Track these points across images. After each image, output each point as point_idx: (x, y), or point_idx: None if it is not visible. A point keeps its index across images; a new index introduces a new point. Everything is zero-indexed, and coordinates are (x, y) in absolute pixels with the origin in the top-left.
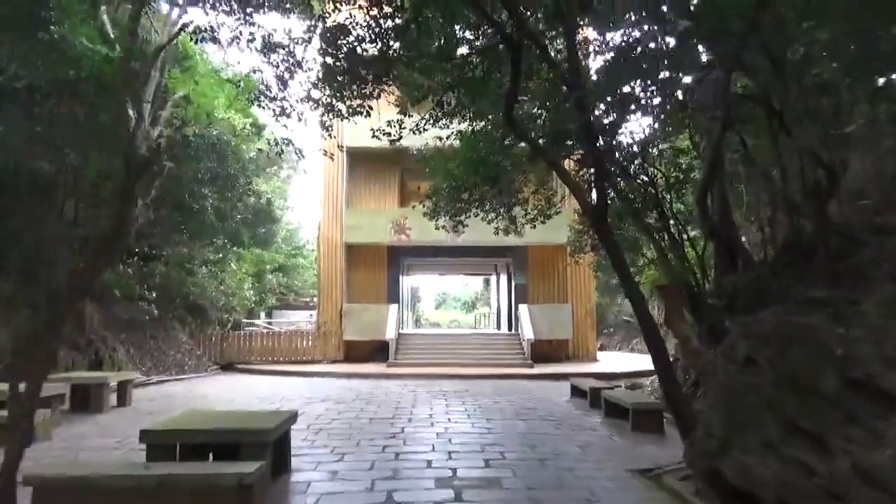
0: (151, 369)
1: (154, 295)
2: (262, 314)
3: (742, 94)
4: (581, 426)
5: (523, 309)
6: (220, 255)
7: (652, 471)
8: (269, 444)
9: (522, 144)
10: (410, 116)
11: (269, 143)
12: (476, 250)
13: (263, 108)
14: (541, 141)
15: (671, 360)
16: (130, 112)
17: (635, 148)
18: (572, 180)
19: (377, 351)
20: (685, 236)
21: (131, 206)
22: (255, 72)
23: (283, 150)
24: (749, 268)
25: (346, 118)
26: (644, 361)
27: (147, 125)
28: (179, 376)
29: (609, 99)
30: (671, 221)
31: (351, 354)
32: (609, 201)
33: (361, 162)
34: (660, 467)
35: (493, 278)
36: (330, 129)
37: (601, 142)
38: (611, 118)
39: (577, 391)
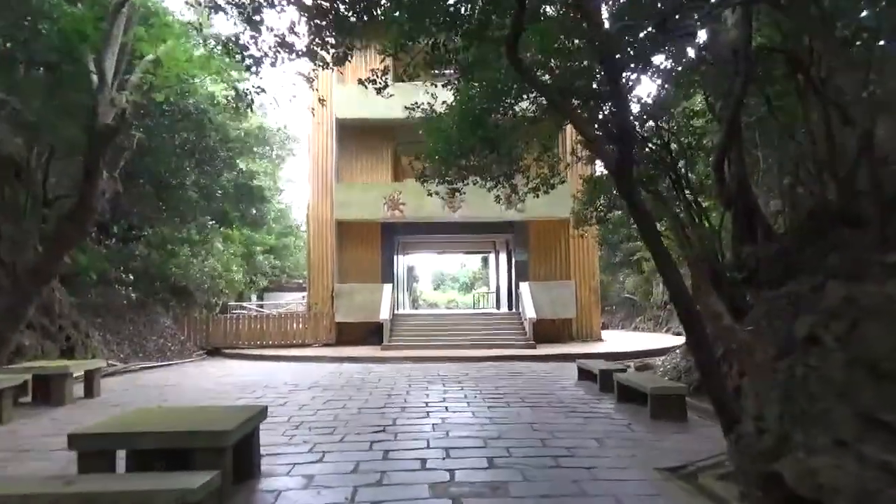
0: (130, 356)
1: (132, 277)
2: (254, 297)
3: (765, 46)
4: (594, 414)
5: (524, 287)
6: (206, 235)
7: (684, 468)
8: (227, 448)
9: (525, 103)
10: (399, 61)
11: (237, 93)
12: (474, 226)
13: (233, 57)
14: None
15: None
16: (93, 76)
17: (647, 109)
18: (590, 131)
19: (371, 333)
20: (698, 206)
21: (95, 180)
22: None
23: (252, 102)
24: (770, 238)
25: (330, 67)
26: (651, 340)
27: (111, 90)
28: (161, 363)
29: (626, 40)
30: (686, 190)
31: (343, 337)
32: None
33: (352, 135)
34: (692, 464)
35: (492, 257)
36: (313, 81)
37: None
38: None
39: (585, 373)
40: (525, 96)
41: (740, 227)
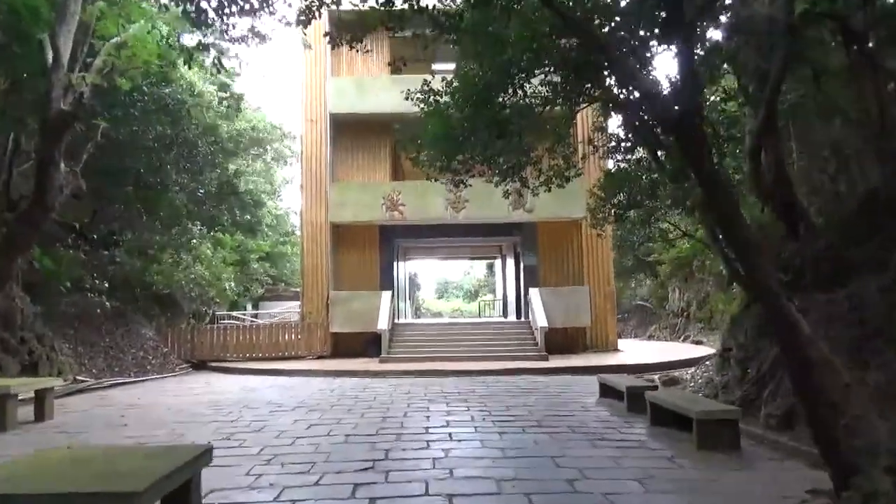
0: (105, 370)
1: (106, 285)
2: (249, 306)
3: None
4: (626, 442)
5: (534, 293)
6: (192, 241)
7: None
8: None
9: (536, 81)
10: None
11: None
12: (479, 228)
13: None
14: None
15: (725, 349)
16: (48, 56)
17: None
18: (645, 81)
19: (369, 344)
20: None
21: (51, 174)
22: None
23: (241, 98)
24: (813, 234)
25: (295, 24)
26: (672, 350)
27: (67, 73)
28: (139, 378)
29: None
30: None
31: (340, 349)
32: (653, 158)
33: (347, 131)
34: None
35: (498, 263)
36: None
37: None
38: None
39: (608, 390)
40: (537, 72)
41: (779, 224)
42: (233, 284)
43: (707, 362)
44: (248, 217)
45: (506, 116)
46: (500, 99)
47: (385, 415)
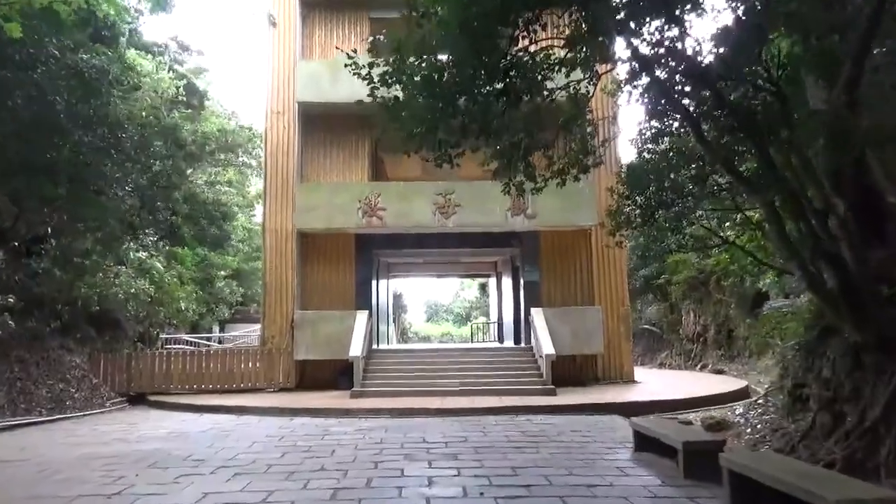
0: (5, 408)
1: (11, 300)
2: (216, 328)
3: None
4: None
5: (537, 314)
6: (138, 252)
7: None
8: None
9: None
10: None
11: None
12: (472, 238)
13: None
14: None
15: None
16: None
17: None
18: None
19: (341, 374)
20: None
21: None
22: None
23: (206, 94)
24: None
25: None
26: (697, 382)
27: None
28: (51, 417)
29: None
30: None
31: (306, 380)
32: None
33: (320, 124)
34: None
35: (493, 281)
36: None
37: None
38: None
39: (646, 441)
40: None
41: (860, 226)
42: (192, 305)
43: (759, 400)
44: (216, 230)
45: (510, 65)
46: (502, 40)
47: (339, 484)
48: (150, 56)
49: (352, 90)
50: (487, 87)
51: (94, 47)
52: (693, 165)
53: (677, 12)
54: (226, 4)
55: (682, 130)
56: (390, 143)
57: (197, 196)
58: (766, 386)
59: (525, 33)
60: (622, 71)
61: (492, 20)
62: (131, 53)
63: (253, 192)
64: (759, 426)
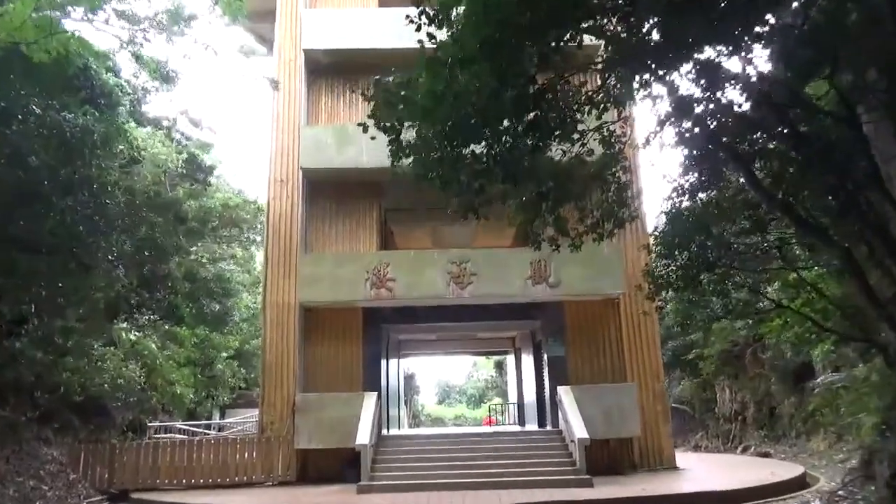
0: None
1: None
2: (217, 414)
3: None
4: None
5: (566, 393)
6: (131, 333)
7: None
8: None
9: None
10: None
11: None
12: (489, 311)
13: None
14: None
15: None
16: None
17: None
18: None
19: (349, 466)
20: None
21: None
22: None
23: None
24: None
25: None
26: (747, 468)
27: None
28: None
29: None
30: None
31: (309, 471)
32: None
33: (325, 192)
34: None
35: (511, 358)
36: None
37: None
38: None
39: None
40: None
41: None
42: (190, 389)
43: (840, 491)
44: (217, 307)
45: (539, 93)
46: (530, 64)
47: None
48: (150, 128)
49: (358, 156)
50: (513, 120)
51: (83, 108)
52: (742, 216)
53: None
54: (230, 75)
55: (723, 182)
56: (404, 196)
57: (198, 273)
58: (823, 470)
59: (556, 53)
60: (653, 112)
61: (518, 35)
62: (130, 126)
63: (259, 269)
64: None
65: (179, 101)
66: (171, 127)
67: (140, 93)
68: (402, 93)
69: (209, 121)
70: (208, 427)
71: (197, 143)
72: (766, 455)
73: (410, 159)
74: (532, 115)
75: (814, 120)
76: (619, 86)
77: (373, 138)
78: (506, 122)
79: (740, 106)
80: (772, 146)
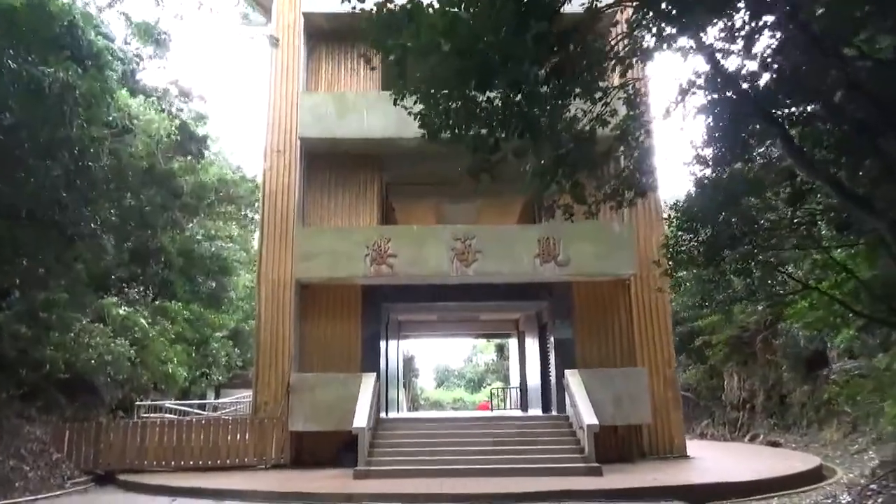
0: None
1: None
2: (211, 394)
3: None
4: None
5: (573, 377)
6: (120, 309)
7: None
8: None
9: None
10: None
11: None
12: (494, 291)
13: None
14: None
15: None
16: None
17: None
18: None
19: (346, 449)
20: None
21: None
22: None
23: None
24: None
25: None
26: (759, 457)
27: None
28: None
29: None
30: None
31: (304, 454)
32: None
33: (324, 163)
34: None
35: (514, 341)
36: None
37: None
38: None
39: None
40: None
41: None
42: (183, 367)
43: (872, 485)
44: (213, 284)
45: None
46: None
47: None
48: (142, 97)
49: (360, 126)
50: (534, 65)
51: (65, 64)
52: (776, 188)
53: None
54: (225, 38)
55: (748, 154)
56: (407, 169)
57: (193, 249)
58: (839, 461)
59: None
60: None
61: None
62: (123, 94)
63: (257, 248)
64: None
65: (171, 70)
66: (162, 98)
67: (133, 62)
68: (409, 6)
69: (200, 90)
70: (201, 407)
71: (190, 114)
72: (775, 444)
73: (417, 105)
74: (555, 60)
75: (870, 70)
76: (646, 36)
77: (373, 68)
78: (526, 66)
79: (783, 57)
80: (811, 109)
